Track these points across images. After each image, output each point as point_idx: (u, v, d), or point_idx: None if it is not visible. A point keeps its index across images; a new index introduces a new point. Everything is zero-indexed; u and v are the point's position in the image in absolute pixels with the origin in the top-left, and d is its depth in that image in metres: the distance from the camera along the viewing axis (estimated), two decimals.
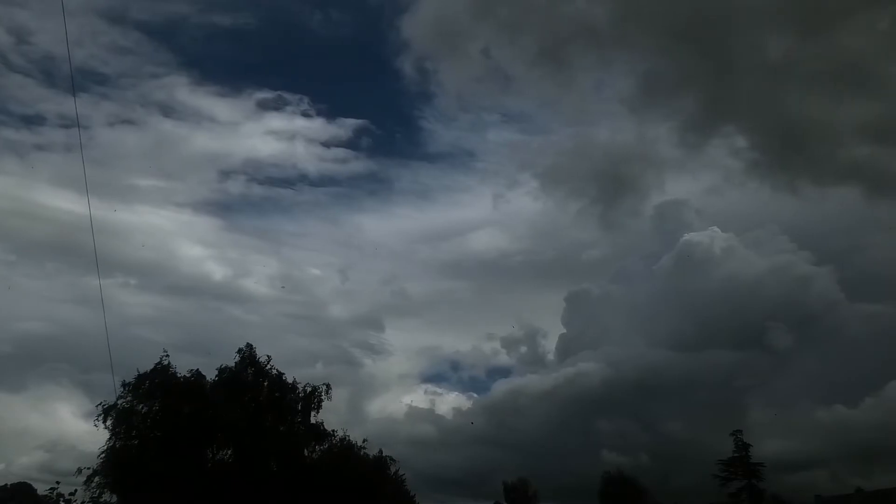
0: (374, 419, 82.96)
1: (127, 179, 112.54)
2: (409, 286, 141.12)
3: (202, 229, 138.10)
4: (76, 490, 33.94)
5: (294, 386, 38.14)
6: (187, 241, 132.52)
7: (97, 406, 34.08)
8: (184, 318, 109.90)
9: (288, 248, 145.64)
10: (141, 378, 34.65)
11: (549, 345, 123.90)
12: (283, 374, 38.25)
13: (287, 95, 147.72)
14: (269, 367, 37.76)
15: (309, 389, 38.34)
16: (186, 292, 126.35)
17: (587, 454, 78.70)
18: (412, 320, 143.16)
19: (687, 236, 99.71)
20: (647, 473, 66.29)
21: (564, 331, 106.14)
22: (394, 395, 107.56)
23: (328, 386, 38.76)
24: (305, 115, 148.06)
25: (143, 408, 34.77)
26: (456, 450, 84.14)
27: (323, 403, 38.64)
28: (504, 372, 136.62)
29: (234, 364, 37.23)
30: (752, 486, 53.09)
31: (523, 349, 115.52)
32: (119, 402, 34.14)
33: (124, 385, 34.23)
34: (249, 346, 37.82)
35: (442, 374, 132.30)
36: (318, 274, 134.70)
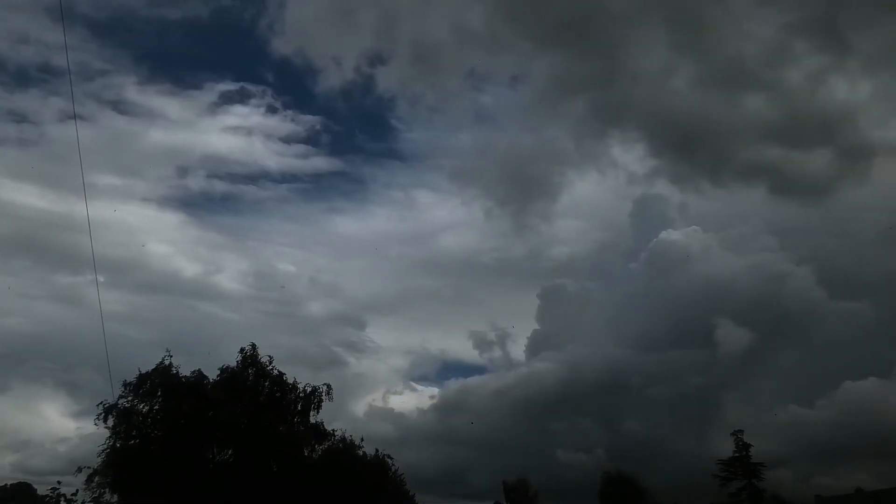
0: (353, 418, 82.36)
1: (85, 175, 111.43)
2: (385, 283, 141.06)
3: (168, 225, 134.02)
4: (77, 490, 34.02)
5: (294, 386, 38.18)
6: (155, 237, 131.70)
7: (97, 405, 34.16)
8: (159, 316, 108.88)
9: (256, 244, 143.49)
10: (142, 378, 34.70)
11: (522, 342, 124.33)
12: (284, 374, 38.30)
13: (250, 87, 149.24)
14: (270, 367, 37.81)
15: (309, 389, 38.38)
16: (159, 289, 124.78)
17: (550, 453, 79.68)
18: (391, 318, 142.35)
19: (664, 234, 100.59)
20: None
21: (538, 327, 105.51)
22: (375, 393, 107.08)
23: (329, 386, 38.81)
24: (271, 108, 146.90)
25: (143, 407, 34.82)
26: (427, 448, 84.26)
27: (323, 403, 38.68)
28: (479, 370, 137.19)
29: (235, 364, 37.28)
30: (752, 486, 53.22)
31: (496, 347, 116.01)
32: (120, 401, 34.20)
33: (125, 385, 34.28)
34: (253, 345, 37.84)
35: (425, 372, 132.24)
36: (292, 271, 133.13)
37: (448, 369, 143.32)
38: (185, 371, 36.32)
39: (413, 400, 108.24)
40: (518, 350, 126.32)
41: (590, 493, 65.93)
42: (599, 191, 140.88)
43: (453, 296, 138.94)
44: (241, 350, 37.61)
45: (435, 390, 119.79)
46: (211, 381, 36.63)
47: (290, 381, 38.06)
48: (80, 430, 76.62)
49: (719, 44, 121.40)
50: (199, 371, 36.65)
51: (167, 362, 35.59)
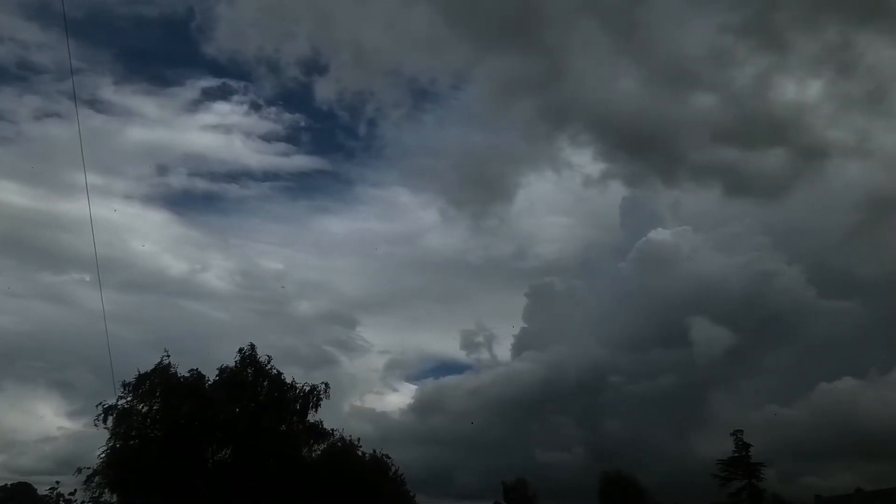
0: (340, 417, 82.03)
1: (64, 172, 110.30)
2: (373, 282, 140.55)
3: (152, 223, 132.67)
4: (76, 490, 33.98)
5: (293, 385, 38.20)
6: (139, 235, 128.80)
7: (97, 406, 34.19)
8: (148, 315, 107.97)
9: (241, 243, 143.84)
10: (142, 378, 34.71)
11: (508, 341, 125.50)
12: (283, 373, 38.36)
13: (230, 85, 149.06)
14: (269, 366, 37.85)
15: (308, 389, 38.40)
16: (146, 288, 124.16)
17: (534, 453, 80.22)
18: (380, 317, 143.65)
19: (653, 233, 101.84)
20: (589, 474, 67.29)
21: (525, 325, 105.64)
22: (364, 392, 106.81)
23: (327, 385, 38.90)
24: (253, 105, 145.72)
25: (143, 407, 34.82)
26: (413, 448, 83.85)
27: (321, 402, 38.72)
28: (468, 369, 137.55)
29: (234, 363, 37.31)
30: (752, 486, 53.14)
31: (483, 346, 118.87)
32: (119, 401, 34.24)
33: (125, 385, 34.30)
34: (252, 345, 37.96)
35: (416, 371, 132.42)
36: (279, 269, 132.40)
37: (436, 369, 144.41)
38: (183, 371, 36.43)
39: (400, 399, 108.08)
40: (505, 349, 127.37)
41: (572, 492, 66.37)
42: (554, 192, 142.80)
43: (442, 294, 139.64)
44: (240, 350, 37.79)
45: (420, 389, 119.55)
46: (210, 380, 36.66)
47: (289, 380, 38.23)
48: (63, 429, 76.95)
49: (659, 46, 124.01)
50: (198, 371, 36.73)
51: (166, 362, 35.69)
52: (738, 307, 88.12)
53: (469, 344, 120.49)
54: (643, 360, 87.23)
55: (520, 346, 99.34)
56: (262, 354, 37.92)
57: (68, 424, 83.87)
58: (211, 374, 37.02)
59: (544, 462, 76.30)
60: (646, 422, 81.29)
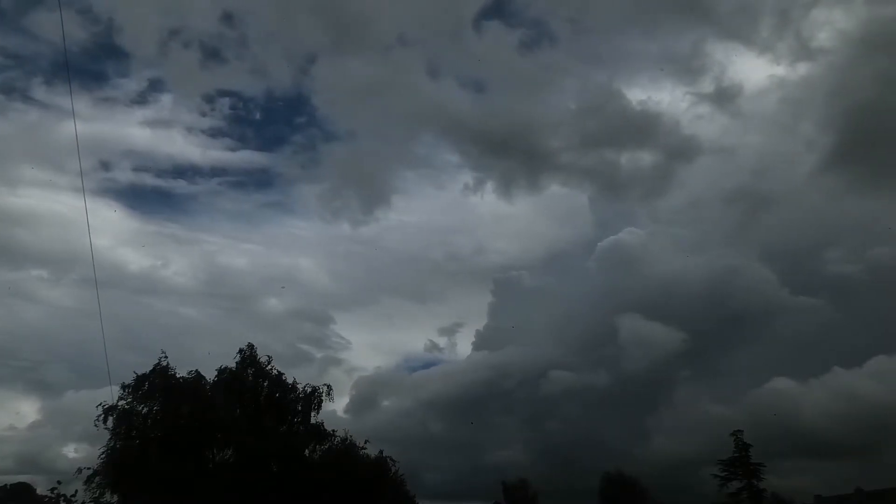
0: None
1: (7, 167, 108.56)
2: (340, 279, 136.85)
3: (105, 219, 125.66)
4: (77, 491, 34.07)
5: (294, 386, 38.28)
6: (94, 231, 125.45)
7: (97, 406, 34.24)
8: (113, 312, 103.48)
9: (199, 238, 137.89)
10: (140, 379, 34.73)
11: (470, 337, 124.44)
12: (284, 374, 38.47)
13: (167, 80, 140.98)
14: (269, 367, 37.96)
15: (309, 390, 38.52)
16: (107, 285, 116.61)
17: (478, 452, 79.32)
18: (351, 314, 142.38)
19: (624, 233, 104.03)
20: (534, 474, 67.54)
21: (487, 321, 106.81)
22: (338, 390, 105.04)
23: (329, 387, 39.04)
24: (191, 100, 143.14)
25: (143, 408, 34.85)
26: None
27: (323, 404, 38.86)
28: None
29: (234, 364, 37.40)
30: (751, 486, 53.16)
31: (448, 343, 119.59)
32: (120, 402, 34.27)
33: (123, 387, 34.33)
34: (251, 346, 38.11)
35: (388, 367, 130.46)
36: (243, 266, 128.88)
37: (409, 366, 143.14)
38: (181, 371, 36.49)
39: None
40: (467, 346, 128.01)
41: None
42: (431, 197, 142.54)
43: (409, 291, 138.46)
44: (240, 350, 37.89)
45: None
46: (209, 381, 36.71)
47: (290, 381, 38.35)
48: (13, 426, 76.11)
49: (490, 50, 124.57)
50: (197, 372, 36.86)
51: (164, 363, 35.75)
52: (702, 307, 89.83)
53: (432, 345, 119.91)
54: (586, 359, 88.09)
55: (480, 344, 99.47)
56: (262, 355, 38.12)
57: (29, 421, 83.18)
58: (210, 374, 37.22)
59: (491, 463, 76.06)
60: (589, 421, 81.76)
